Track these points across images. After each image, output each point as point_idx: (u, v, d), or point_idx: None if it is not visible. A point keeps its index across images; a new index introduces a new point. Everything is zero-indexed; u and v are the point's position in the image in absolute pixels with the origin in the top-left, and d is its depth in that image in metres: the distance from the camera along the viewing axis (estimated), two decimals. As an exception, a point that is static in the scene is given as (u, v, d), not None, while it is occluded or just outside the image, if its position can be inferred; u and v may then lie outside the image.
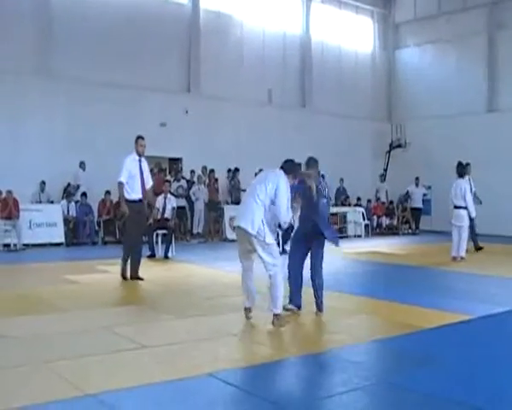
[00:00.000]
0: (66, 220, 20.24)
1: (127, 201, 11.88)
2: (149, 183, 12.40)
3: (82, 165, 21.62)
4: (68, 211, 20.44)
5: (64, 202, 20.64)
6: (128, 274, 12.07)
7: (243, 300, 8.56)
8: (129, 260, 12.13)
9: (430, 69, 31.05)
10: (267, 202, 8.25)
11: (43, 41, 21.71)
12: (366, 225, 26.72)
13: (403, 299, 10.14)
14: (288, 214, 8.41)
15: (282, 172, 8.70)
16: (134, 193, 11.89)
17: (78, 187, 21.59)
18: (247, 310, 8.47)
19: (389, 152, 31.67)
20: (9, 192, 18.86)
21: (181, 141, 23.98)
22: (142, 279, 11.99)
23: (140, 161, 12.03)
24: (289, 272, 9.20)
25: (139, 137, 12.21)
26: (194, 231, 22.92)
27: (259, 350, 6.91)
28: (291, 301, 9.08)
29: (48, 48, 21.78)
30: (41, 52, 21.67)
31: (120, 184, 11.83)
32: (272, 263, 8.12)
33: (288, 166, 8.94)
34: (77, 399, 5.16)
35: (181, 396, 5.40)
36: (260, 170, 23.19)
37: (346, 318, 8.84)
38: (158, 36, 24.17)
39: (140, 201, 12.07)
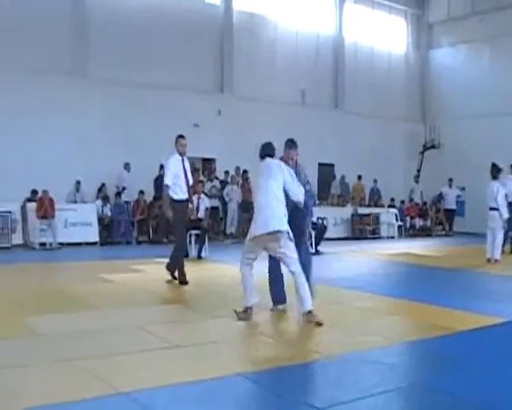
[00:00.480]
0: (100, 220, 20.41)
1: (174, 201, 11.82)
2: (191, 181, 12.39)
3: (127, 166, 21.88)
4: (103, 210, 20.61)
5: (99, 201, 20.83)
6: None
7: (247, 299, 8.51)
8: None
9: (464, 69, 30.86)
10: (283, 194, 8.28)
11: (79, 42, 21.94)
12: (399, 227, 26.59)
13: (436, 301, 10.05)
14: (301, 191, 8.46)
15: (277, 160, 8.75)
16: (181, 193, 11.84)
17: (123, 188, 21.81)
18: (251, 309, 8.45)
19: (423, 153, 31.51)
20: (45, 192, 19.07)
21: (214, 141, 24.07)
22: (187, 283, 11.85)
23: (183, 160, 11.93)
24: (270, 275, 9.15)
25: (179, 137, 11.97)
26: (228, 232, 22.98)
27: (290, 351, 6.90)
28: (276, 302, 9.06)
29: (83, 49, 22.01)
30: (77, 53, 21.90)
31: (166, 187, 11.66)
32: (296, 259, 8.14)
33: (273, 151, 9.00)
34: (110, 397, 5.20)
35: (211, 396, 5.41)
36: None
37: (378, 319, 8.82)
38: (192, 37, 24.28)
39: (186, 200, 12.05)
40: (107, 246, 19.80)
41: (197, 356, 6.63)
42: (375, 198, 28.42)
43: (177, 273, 11.89)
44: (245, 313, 8.38)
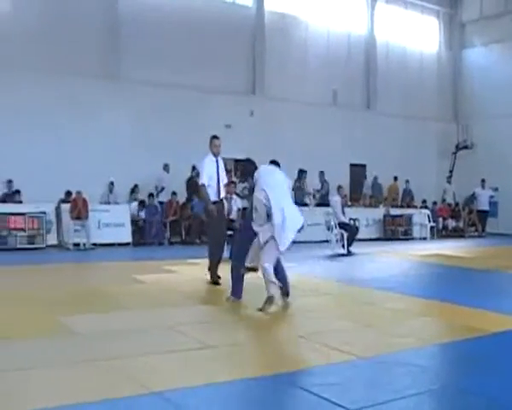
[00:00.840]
0: (133, 221, 20.57)
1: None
2: (225, 181, 12.43)
3: (166, 167, 22.09)
4: (138, 214, 20.77)
5: (135, 204, 20.99)
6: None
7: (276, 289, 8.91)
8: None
9: (497, 68, 30.60)
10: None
11: (111, 44, 22.18)
12: (432, 228, 26.43)
13: (468, 302, 10.00)
14: None
15: None
16: (213, 194, 11.86)
17: (162, 189, 21.99)
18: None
19: (455, 153, 31.30)
20: (79, 193, 19.26)
21: (246, 142, 24.09)
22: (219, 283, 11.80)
23: (217, 161, 11.95)
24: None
25: (213, 137, 11.98)
26: (259, 232, 22.92)
27: (324, 352, 6.88)
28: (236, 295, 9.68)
29: (115, 51, 22.24)
30: (109, 55, 22.14)
31: (203, 186, 11.72)
32: None
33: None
34: (143, 396, 5.23)
35: (244, 397, 5.45)
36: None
37: (410, 320, 8.79)
38: (223, 38, 24.41)
39: (220, 201, 12.08)
40: (140, 247, 19.93)
41: (229, 357, 6.66)
42: (408, 199, 28.30)
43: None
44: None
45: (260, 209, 8.73)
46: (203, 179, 11.75)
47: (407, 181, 28.45)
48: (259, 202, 8.73)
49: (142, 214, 20.86)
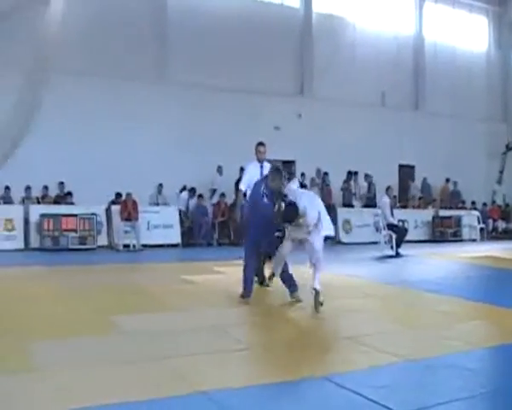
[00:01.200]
0: (182, 222, 20.76)
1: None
2: None
3: (219, 169, 22.33)
4: (188, 201, 20.95)
5: (185, 193, 21.12)
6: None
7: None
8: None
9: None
10: None
11: (160, 48, 22.52)
12: (481, 229, 26.18)
13: (519, 306, 9.91)
14: None
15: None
16: None
17: (214, 191, 22.18)
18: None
19: (505, 154, 30.89)
20: (129, 194, 19.50)
21: (294, 144, 24.19)
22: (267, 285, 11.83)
23: (261, 167, 12.03)
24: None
25: (259, 144, 12.02)
26: (307, 233, 22.93)
27: (371, 354, 6.88)
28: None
29: (164, 55, 22.57)
30: (158, 59, 22.44)
31: (240, 191, 11.92)
32: None
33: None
34: (189, 395, 5.29)
35: (290, 398, 5.45)
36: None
37: (458, 323, 8.70)
38: (271, 40, 24.49)
39: None
40: (189, 248, 20.09)
41: (274, 358, 6.68)
42: (457, 200, 28.05)
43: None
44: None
45: (305, 212, 8.87)
46: (241, 185, 11.92)
47: (455, 182, 28.22)
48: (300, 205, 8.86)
49: (193, 202, 21.01)
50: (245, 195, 11.89)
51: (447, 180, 28.07)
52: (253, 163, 12.07)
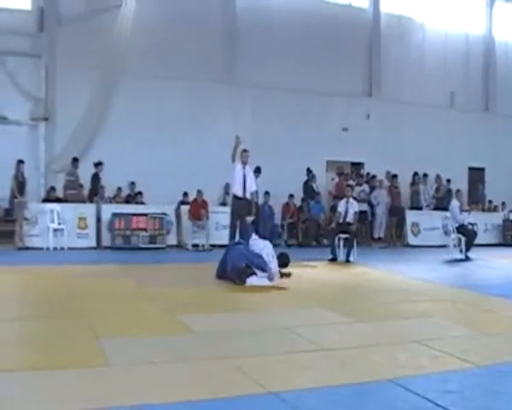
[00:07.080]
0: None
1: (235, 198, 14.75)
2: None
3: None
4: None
5: None
6: None
7: None
8: None
9: None
10: None
11: (229, 50, 22.66)
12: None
13: None
14: None
15: None
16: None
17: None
18: None
19: None
20: (199, 193, 19.64)
21: (362, 145, 24.11)
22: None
23: (244, 168, 14.86)
24: None
25: (244, 150, 15.06)
26: (376, 236, 22.89)
27: (441, 358, 6.80)
28: None
29: (234, 56, 22.72)
30: (227, 60, 22.61)
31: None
32: None
33: None
34: (260, 395, 5.32)
35: (360, 400, 5.46)
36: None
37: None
38: (340, 41, 24.50)
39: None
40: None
41: (344, 360, 6.64)
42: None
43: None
44: None
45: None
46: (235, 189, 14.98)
47: (526, 185, 27.72)
48: None
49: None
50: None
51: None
52: (239, 166, 14.72)
